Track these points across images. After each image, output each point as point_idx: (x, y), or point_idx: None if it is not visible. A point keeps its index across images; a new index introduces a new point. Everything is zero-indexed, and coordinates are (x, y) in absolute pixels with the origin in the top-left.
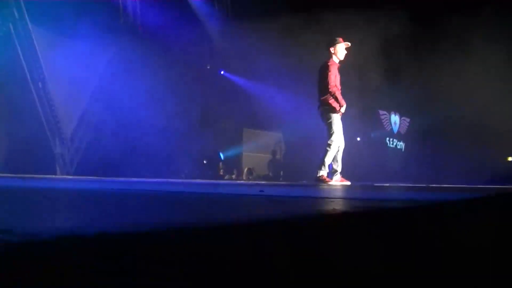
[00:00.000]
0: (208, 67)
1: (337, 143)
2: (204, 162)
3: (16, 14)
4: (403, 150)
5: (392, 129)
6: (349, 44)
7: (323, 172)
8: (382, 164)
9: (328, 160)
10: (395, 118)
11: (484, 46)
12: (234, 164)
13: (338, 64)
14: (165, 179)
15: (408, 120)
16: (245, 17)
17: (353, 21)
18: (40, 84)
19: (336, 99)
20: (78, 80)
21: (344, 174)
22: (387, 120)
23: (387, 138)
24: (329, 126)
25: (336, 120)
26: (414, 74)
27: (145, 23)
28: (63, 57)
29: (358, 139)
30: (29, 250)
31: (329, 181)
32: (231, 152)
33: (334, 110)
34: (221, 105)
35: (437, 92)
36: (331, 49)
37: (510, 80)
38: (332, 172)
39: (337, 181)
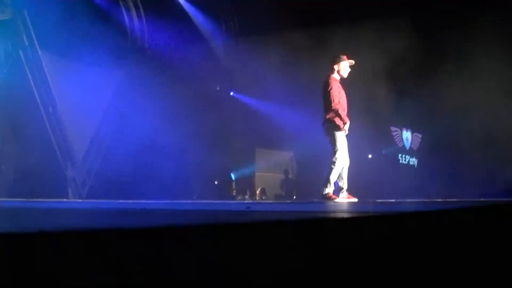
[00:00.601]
0: (218, 88)
1: (342, 160)
2: (216, 182)
3: (25, 40)
4: (416, 166)
5: (404, 145)
6: (353, 62)
7: (329, 190)
8: (394, 181)
9: (333, 178)
10: (407, 134)
11: (494, 57)
12: (247, 184)
13: (338, 81)
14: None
15: (420, 135)
16: (253, 36)
17: (363, 37)
18: (50, 109)
19: (339, 116)
20: (88, 103)
21: (356, 192)
22: (398, 136)
23: (399, 155)
24: (333, 143)
25: (340, 138)
26: (424, 89)
27: (153, 44)
28: (73, 81)
29: (370, 156)
30: None
31: (335, 198)
32: (243, 172)
33: (337, 128)
34: (233, 126)
35: (448, 106)
36: (335, 67)
37: None
38: (338, 190)
39: (344, 198)
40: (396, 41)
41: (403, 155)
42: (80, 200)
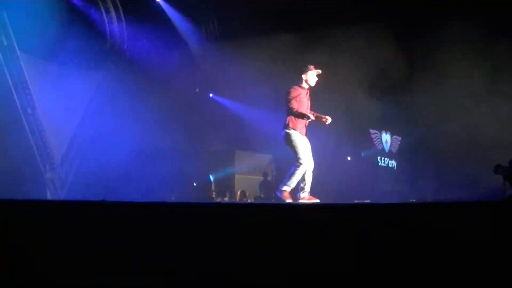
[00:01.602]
0: (197, 90)
1: (306, 164)
2: (194, 184)
3: (4, 41)
4: (395, 168)
5: (383, 147)
6: (320, 71)
7: (286, 188)
8: (373, 183)
9: (294, 179)
10: (386, 137)
11: (473, 61)
12: (226, 186)
13: (306, 90)
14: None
15: (399, 138)
16: (233, 39)
17: (343, 42)
18: (29, 110)
19: (296, 122)
20: (66, 105)
21: (335, 193)
22: (378, 139)
23: (379, 157)
24: (294, 149)
25: (300, 142)
26: (403, 93)
27: (132, 47)
28: (52, 83)
29: (349, 158)
30: None
31: (289, 198)
32: (222, 174)
33: (296, 134)
34: (212, 128)
35: (427, 110)
36: (303, 76)
37: (498, 94)
38: (300, 190)
39: (304, 198)
40: (375, 47)
41: (382, 158)
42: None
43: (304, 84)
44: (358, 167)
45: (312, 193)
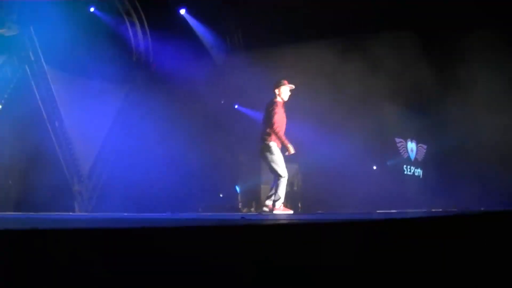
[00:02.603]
0: (222, 102)
1: (286, 175)
2: (221, 195)
3: (32, 56)
4: (421, 177)
5: (409, 156)
6: (293, 86)
7: (279, 202)
8: (400, 192)
9: (281, 191)
10: (411, 145)
11: (502, 68)
12: (252, 196)
13: (281, 103)
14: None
15: (425, 146)
16: (258, 50)
17: (369, 48)
18: (56, 123)
19: (280, 139)
20: (93, 118)
21: (361, 203)
22: (403, 147)
23: (404, 166)
24: (272, 162)
25: (278, 154)
26: (430, 100)
27: (158, 60)
28: (78, 96)
29: (374, 167)
30: None
31: (287, 210)
32: (248, 184)
33: (275, 148)
34: (238, 139)
35: (454, 117)
36: (276, 91)
37: None
38: (267, 198)
39: (279, 209)
40: (403, 51)
41: (408, 166)
42: (86, 213)
43: (279, 99)
44: (385, 176)
45: (338, 203)
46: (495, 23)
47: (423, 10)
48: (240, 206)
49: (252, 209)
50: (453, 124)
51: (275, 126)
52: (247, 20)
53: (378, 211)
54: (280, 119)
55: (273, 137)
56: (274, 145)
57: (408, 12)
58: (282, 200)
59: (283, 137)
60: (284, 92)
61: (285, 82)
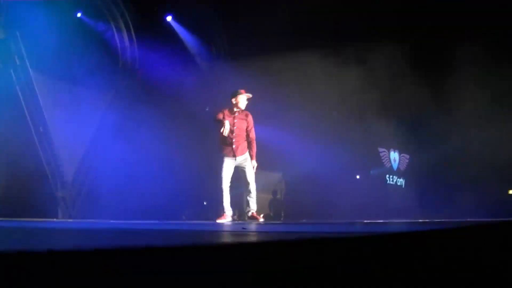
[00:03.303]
0: (207, 109)
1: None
2: (205, 203)
3: (17, 60)
4: (403, 186)
5: (392, 166)
6: (250, 95)
7: (229, 213)
8: (382, 201)
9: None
10: (394, 155)
11: (483, 82)
12: (235, 204)
13: (233, 114)
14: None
15: (407, 156)
16: (243, 58)
17: (355, 59)
18: (41, 129)
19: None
20: (78, 124)
21: (344, 211)
22: (386, 157)
23: (387, 175)
24: (219, 171)
25: (225, 166)
26: (412, 111)
27: (143, 66)
28: (63, 102)
29: (358, 176)
30: None
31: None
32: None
33: (222, 157)
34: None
35: (436, 129)
36: (233, 100)
37: (508, 114)
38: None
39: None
40: (385, 62)
41: (391, 176)
42: (71, 220)
43: (233, 108)
44: (368, 185)
45: (321, 211)
46: (482, 36)
47: (411, 23)
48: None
49: (235, 217)
50: (436, 135)
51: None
52: (233, 28)
53: (365, 221)
54: (225, 127)
55: (222, 148)
56: (222, 157)
57: (395, 24)
58: (225, 210)
59: (224, 145)
60: (241, 101)
61: (242, 91)
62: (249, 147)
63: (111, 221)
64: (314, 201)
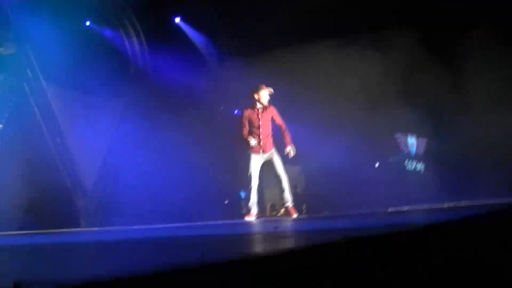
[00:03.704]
0: (222, 108)
1: (255, 182)
2: (226, 202)
3: (29, 73)
4: (422, 171)
5: (409, 151)
6: (272, 90)
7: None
8: (403, 187)
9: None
10: (411, 140)
11: (500, 65)
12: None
13: (257, 110)
14: (185, 223)
15: (425, 140)
16: (255, 54)
17: (366, 46)
18: (58, 140)
19: (246, 143)
20: (95, 133)
21: (365, 200)
22: (404, 142)
23: (406, 161)
24: (248, 168)
25: (252, 161)
26: (429, 95)
27: (155, 71)
28: (78, 111)
29: (376, 165)
30: None
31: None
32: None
33: (248, 152)
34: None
35: (454, 110)
36: (255, 96)
37: None
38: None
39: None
40: (401, 47)
41: (410, 161)
42: (96, 229)
43: (257, 104)
44: (387, 173)
45: (342, 202)
46: (494, 22)
47: (423, 9)
48: (243, 212)
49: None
50: (453, 118)
51: (240, 132)
52: (243, 26)
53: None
54: (245, 123)
55: (249, 146)
56: (250, 154)
57: (406, 11)
58: (251, 207)
59: (247, 141)
60: (263, 96)
61: (263, 86)
62: (284, 135)
63: (136, 227)
64: (335, 192)
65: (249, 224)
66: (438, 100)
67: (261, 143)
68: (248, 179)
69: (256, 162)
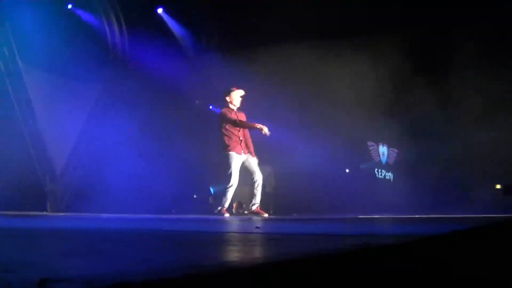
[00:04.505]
0: (197, 102)
1: (235, 181)
2: (195, 196)
3: (6, 52)
4: (391, 180)
5: (380, 160)
6: (243, 91)
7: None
8: (372, 195)
9: (227, 198)
10: (383, 149)
11: (473, 76)
12: (222, 198)
13: (233, 110)
14: (156, 215)
15: (396, 150)
16: (234, 50)
17: (343, 53)
18: (30, 121)
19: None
20: (68, 117)
21: (335, 205)
22: (375, 151)
23: (376, 169)
24: (229, 169)
25: (235, 162)
26: (402, 106)
27: (133, 58)
28: (53, 94)
29: (347, 170)
30: None
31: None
32: (221, 186)
33: (231, 156)
34: (211, 140)
35: (424, 123)
36: (227, 98)
37: (494, 110)
38: (249, 203)
39: (254, 211)
40: (376, 58)
41: (380, 170)
42: (61, 214)
43: (231, 106)
44: (357, 179)
45: (310, 205)
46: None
47: (408, 16)
48: (210, 208)
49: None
50: (422, 130)
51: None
52: (224, 21)
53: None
54: (229, 127)
55: (231, 146)
56: (231, 154)
57: (388, 18)
58: (226, 204)
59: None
60: (235, 98)
61: (234, 88)
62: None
63: (104, 214)
64: (304, 195)
65: (226, 221)
66: (417, 112)
67: (241, 144)
68: (228, 177)
69: (237, 162)
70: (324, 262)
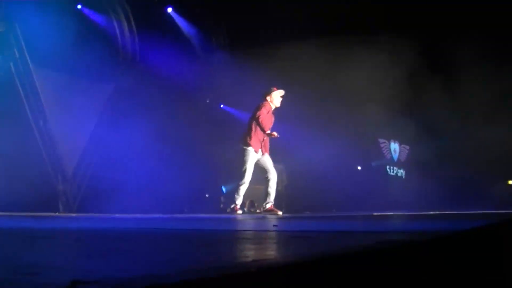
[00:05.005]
0: (208, 101)
1: (248, 179)
2: (207, 196)
3: (16, 53)
4: (403, 177)
5: (392, 157)
6: (283, 92)
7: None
8: (384, 192)
9: (240, 195)
10: (394, 146)
11: (484, 75)
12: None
13: (271, 109)
14: (169, 215)
15: (407, 147)
16: (244, 49)
17: (353, 51)
18: (41, 122)
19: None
20: (79, 117)
21: (346, 203)
22: (386, 148)
23: (388, 166)
24: (244, 165)
25: (251, 159)
26: (413, 103)
27: (144, 59)
28: (64, 95)
29: (359, 168)
30: None
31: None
32: (233, 185)
33: (250, 151)
34: (223, 139)
35: (436, 120)
36: (268, 98)
37: (506, 108)
38: (263, 201)
39: (268, 209)
40: (388, 54)
41: (391, 167)
42: (74, 215)
43: (271, 105)
44: (369, 177)
45: (322, 203)
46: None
47: (416, 14)
48: (222, 206)
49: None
50: (434, 126)
51: (252, 128)
52: (234, 20)
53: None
54: (264, 118)
55: (252, 142)
56: (249, 151)
57: (397, 15)
58: (238, 202)
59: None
60: (276, 98)
61: (275, 88)
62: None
63: (117, 215)
64: (316, 193)
65: (241, 219)
66: (428, 109)
67: (263, 143)
68: (242, 174)
69: (253, 159)
70: (362, 259)
